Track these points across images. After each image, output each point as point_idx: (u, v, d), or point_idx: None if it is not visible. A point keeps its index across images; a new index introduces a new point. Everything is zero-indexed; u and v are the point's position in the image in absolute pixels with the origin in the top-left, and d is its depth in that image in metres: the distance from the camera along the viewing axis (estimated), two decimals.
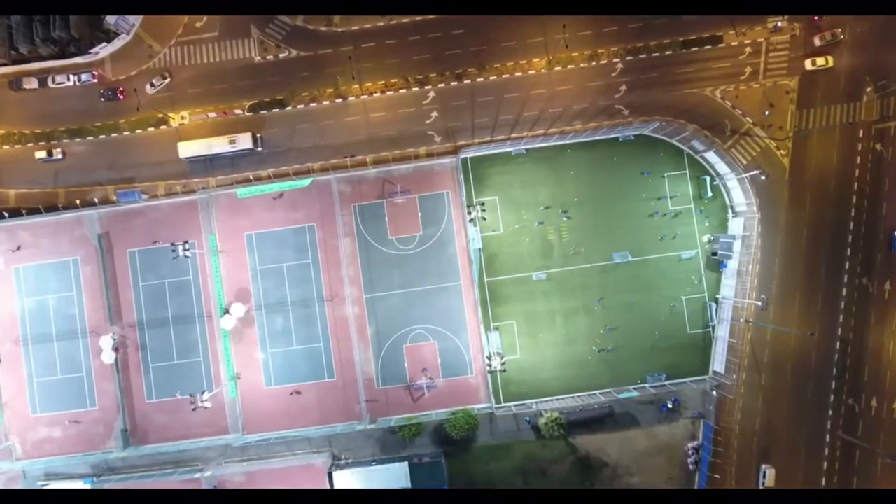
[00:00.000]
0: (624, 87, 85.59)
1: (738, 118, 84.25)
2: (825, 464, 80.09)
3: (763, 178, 79.17)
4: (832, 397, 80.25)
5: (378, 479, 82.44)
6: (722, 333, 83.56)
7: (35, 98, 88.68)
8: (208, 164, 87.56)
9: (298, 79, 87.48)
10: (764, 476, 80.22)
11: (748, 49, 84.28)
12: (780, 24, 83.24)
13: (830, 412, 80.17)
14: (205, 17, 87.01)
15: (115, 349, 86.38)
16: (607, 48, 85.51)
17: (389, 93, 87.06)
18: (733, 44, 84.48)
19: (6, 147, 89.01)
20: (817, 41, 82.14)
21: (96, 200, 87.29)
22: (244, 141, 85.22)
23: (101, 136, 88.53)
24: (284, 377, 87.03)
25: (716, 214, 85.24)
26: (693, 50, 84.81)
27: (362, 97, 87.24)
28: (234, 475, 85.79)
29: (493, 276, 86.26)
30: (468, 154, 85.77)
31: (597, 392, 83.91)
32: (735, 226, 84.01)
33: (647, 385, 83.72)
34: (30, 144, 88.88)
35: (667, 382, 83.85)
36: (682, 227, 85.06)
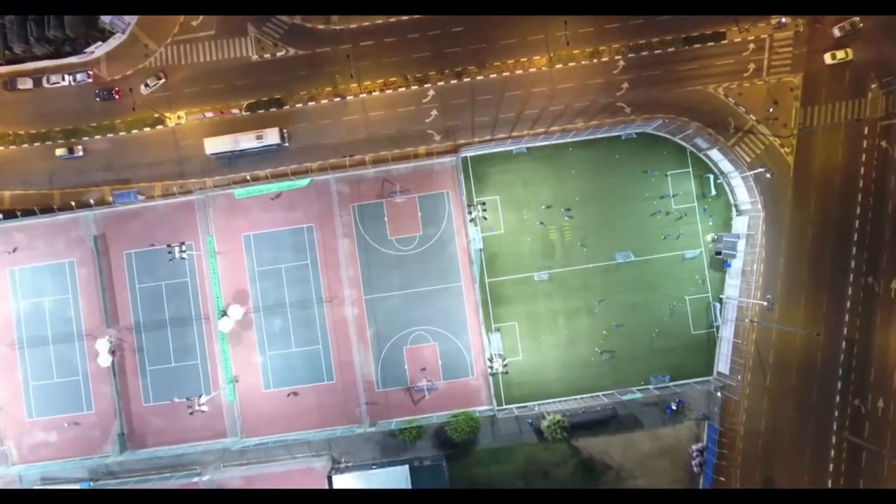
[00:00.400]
0: (626, 85, 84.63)
1: (741, 115, 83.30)
2: (831, 465, 79.17)
3: (768, 175, 78.21)
4: (838, 398, 79.28)
5: (378, 482, 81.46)
6: (726, 334, 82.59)
7: (30, 98, 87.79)
8: (233, 160, 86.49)
9: (296, 77, 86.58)
10: None
11: (751, 45, 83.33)
12: (783, 20, 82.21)
13: (836, 413, 79.22)
14: (201, 16, 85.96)
15: (112, 352, 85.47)
16: (609, 45, 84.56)
17: (388, 91, 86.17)
18: (736, 40, 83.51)
19: (1, 148, 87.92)
20: (836, 31, 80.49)
21: (92, 202, 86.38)
22: (271, 136, 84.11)
23: (97, 137, 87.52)
24: (283, 380, 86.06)
25: (719, 213, 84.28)
26: (696, 46, 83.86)
27: (361, 96, 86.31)
28: (233, 479, 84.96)
29: (494, 277, 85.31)
30: (468, 153, 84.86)
31: (600, 394, 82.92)
32: (739, 225, 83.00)
33: (650, 386, 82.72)
34: (25, 145, 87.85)
35: (671, 384, 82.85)
36: (686, 226, 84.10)
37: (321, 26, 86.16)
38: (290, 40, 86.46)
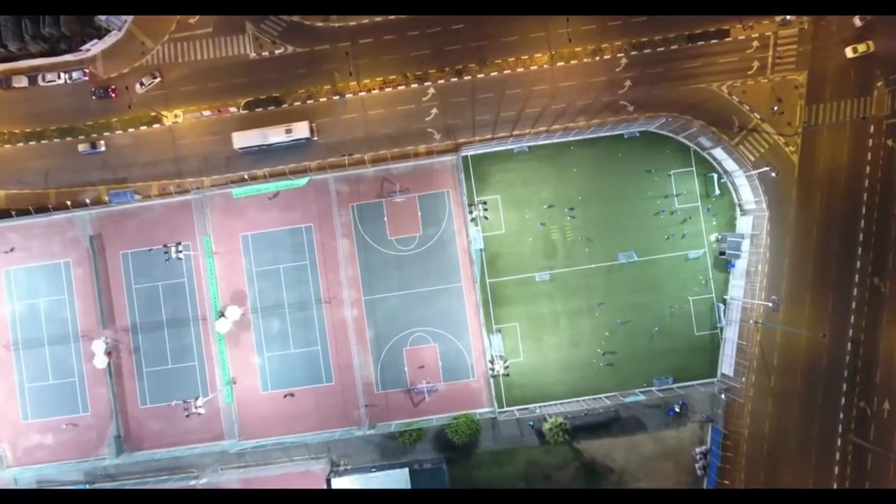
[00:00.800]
0: (628, 83, 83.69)
1: (745, 114, 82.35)
2: (836, 468, 78.17)
3: (773, 174, 77.36)
4: (843, 400, 78.26)
5: (378, 485, 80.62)
6: (730, 335, 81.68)
7: (25, 97, 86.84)
8: (260, 155, 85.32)
9: (294, 76, 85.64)
10: None
11: (755, 43, 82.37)
12: (788, 17, 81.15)
13: (842, 415, 78.17)
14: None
15: (108, 353, 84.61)
16: (611, 43, 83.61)
17: (388, 89, 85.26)
18: (740, 38, 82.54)
19: None
20: (857, 21, 79.07)
21: (88, 201, 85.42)
22: (301, 130, 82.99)
23: (93, 136, 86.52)
24: (281, 381, 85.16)
25: (723, 213, 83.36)
26: (699, 44, 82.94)
27: (360, 94, 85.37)
28: (231, 482, 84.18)
29: (495, 277, 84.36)
30: (469, 152, 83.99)
31: (602, 396, 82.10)
32: (743, 224, 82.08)
33: (653, 388, 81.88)
34: (20, 144, 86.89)
35: (674, 386, 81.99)
36: (689, 225, 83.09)
37: (320, 24, 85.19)
38: (288, 38, 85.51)
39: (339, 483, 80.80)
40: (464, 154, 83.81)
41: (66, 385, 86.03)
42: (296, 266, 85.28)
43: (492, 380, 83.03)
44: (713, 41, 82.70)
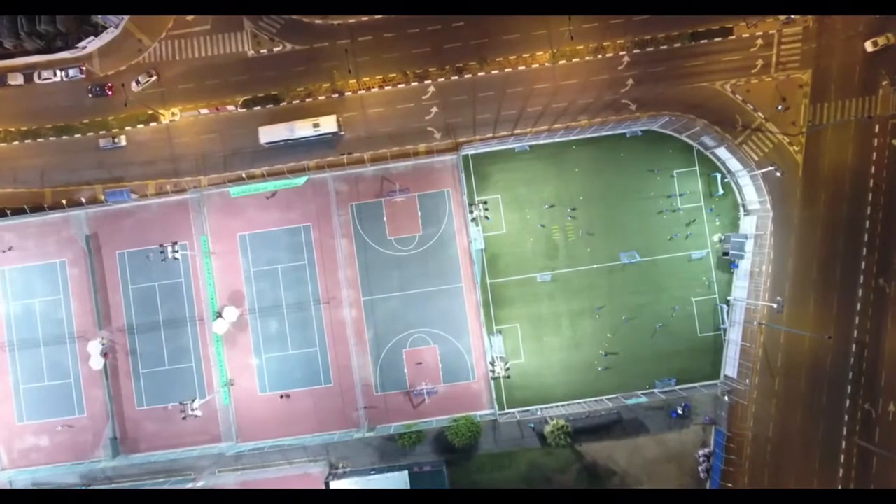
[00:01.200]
0: (631, 81, 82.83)
1: (749, 113, 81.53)
2: (841, 471, 77.52)
3: (778, 174, 76.52)
4: (848, 402, 77.64)
5: (376, 487, 79.44)
6: (734, 336, 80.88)
7: (20, 94, 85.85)
8: (287, 149, 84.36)
9: (293, 73, 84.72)
10: None
11: (759, 41, 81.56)
12: (792, 15, 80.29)
13: (846, 418, 77.55)
14: None
15: (104, 354, 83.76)
16: (613, 41, 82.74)
17: (387, 88, 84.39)
18: (744, 36, 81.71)
19: None
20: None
21: (84, 200, 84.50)
22: (328, 124, 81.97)
23: (90, 134, 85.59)
24: (279, 383, 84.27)
25: (727, 213, 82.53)
26: (702, 42, 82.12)
27: (359, 92, 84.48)
28: (228, 485, 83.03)
29: (495, 278, 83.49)
30: (469, 151, 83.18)
31: (604, 398, 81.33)
32: (747, 224, 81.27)
33: (656, 390, 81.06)
34: (15, 143, 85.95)
35: (677, 387, 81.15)
36: (693, 226, 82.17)
37: (318, 21, 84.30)
38: (286, 35, 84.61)
39: (337, 485, 79.90)
40: (464, 153, 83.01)
41: (61, 386, 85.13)
42: (294, 266, 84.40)
43: (492, 381, 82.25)
44: (717, 39, 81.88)
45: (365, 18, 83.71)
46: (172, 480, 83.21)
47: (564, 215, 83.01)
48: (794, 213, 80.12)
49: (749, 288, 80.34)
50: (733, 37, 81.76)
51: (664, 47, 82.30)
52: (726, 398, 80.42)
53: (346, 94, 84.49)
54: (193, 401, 77.58)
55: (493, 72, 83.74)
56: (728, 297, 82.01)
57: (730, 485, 79.77)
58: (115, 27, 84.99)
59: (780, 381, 79.84)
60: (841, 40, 79.78)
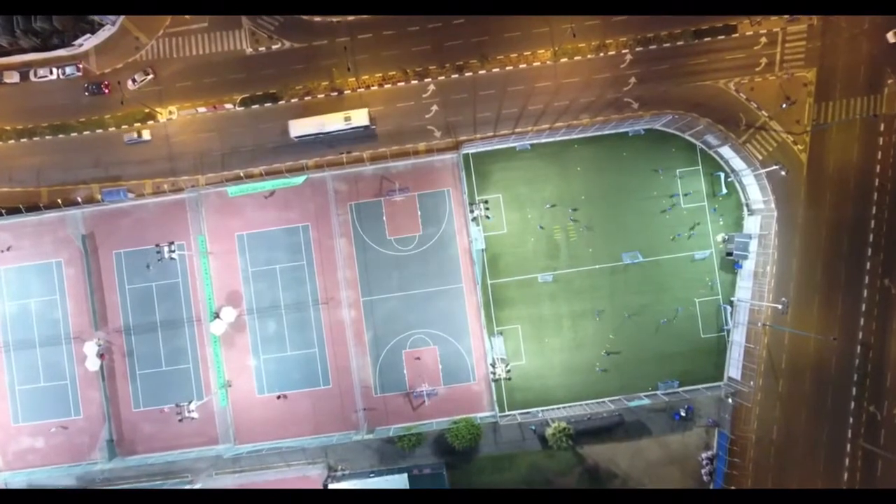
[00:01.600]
0: (633, 80, 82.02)
1: (753, 111, 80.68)
2: (846, 474, 76.73)
3: (783, 173, 75.66)
4: (853, 404, 76.86)
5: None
6: (737, 338, 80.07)
7: (16, 92, 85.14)
8: (318, 144, 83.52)
9: (292, 71, 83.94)
10: None
11: (763, 39, 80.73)
12: (796, 14, 79.44)
13: (851, 420, 76.78)
14: None
15: (101, 355, 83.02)
16: (615, 38, 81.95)
17: (387, 86, 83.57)
18: (748, 33, 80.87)
19: None
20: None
21: (80, 199, 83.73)
22: (360, 118, 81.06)
23: (86, 133, 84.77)
24: (278, 384, 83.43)
25: (730, 213, 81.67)
26: (705, 40, 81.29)
27: (359, 90, 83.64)
28: (226, 487, 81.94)
29: (496, 278, 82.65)
30: (470, 150, 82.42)
31: (606, 400, 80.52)
32: (751, 224, 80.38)
33: (658, 392, 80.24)
34: (10, 141, 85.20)
35: (679, 389, 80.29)
36: (696, 228, 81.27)
37: (317, 18, 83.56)
38: (285, 33, 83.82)
39: (336, 488, 78.96)
40: (465, 152, 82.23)
41: (57, 387, 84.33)
42: (293, 266, 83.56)
43: (493, 383, 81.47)
44: (720, 37, 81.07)
45: (364, 15, 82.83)
46: (169, 483, 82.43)
47: (566, 215, 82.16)
48: (799, 213, 79.30)
49: (753, 289, 79.55)
50: (737, 34, 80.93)
51: (667, 45, 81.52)
52: (730, 400, 79.60)
53: (346, 92, 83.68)
54: (190, 402, 76.66)
55: (494, 70, 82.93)
56: (731, 298, 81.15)
57: (733, 487, 78.90)
58: (111, 25, 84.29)
59: (784, 383, 79.01)
60: (846, 38, 78.96)
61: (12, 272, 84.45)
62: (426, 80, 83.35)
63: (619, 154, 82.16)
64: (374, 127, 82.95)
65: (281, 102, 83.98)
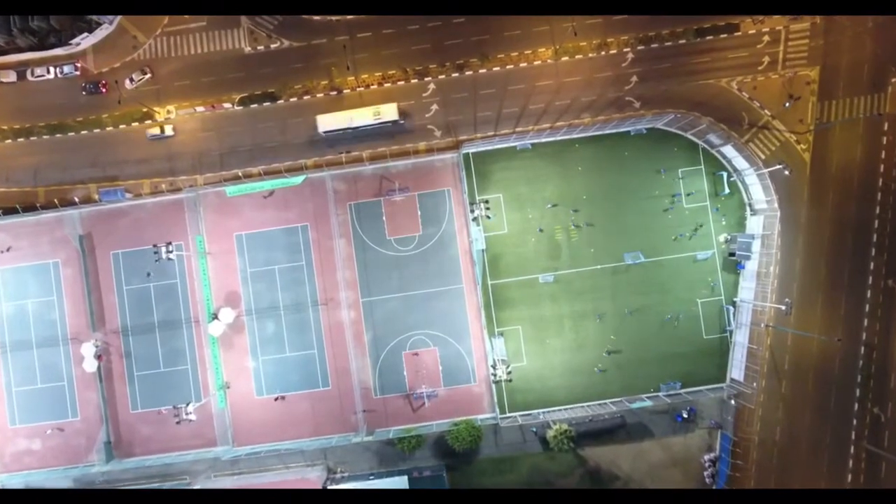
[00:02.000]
0: (635, 78, 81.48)
1: (755, 111, 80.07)
2: (849, 476, 76.12)
3: (786, 172, 75.11)
4: (856, 406, 76.26)
5: None
6: (740, 339, 79.47)
7: (13, 92, 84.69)
8: (343, 139, 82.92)
9: (290, 70, 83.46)
10: None
11: (766, 37, 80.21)
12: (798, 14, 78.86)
13: (855, 421, 76.18)
14: None
15: (98, 357, 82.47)
16: (617, 37, 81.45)
17: (387, 85, 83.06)
18: (750, 32, 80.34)
19: None
20: None
21: (77, 199, 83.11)
22: (389, 112, 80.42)
23: (83, 132, 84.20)
24: (276, 386, 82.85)
25: (733, 212, 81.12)
26: (708, 38, 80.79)
27: (358, 90, 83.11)
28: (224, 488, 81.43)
29: (497, 279, 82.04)
30: (470, 149, 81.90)
31: (607, 401, 79.99)
32: (754, 224, 79.80)
33: (660, 394, 79.72)
34: (7, 141, 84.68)
35: (682, 391, 79.77)
36: (699, 230, 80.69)
37: (317, 17, 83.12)
38: (284, 32, 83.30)
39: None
40: (465, 151, 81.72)
41: (54, 389, 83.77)
42: (291, 267, 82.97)
43: (493, 385, 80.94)
44: (722, 36, 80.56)
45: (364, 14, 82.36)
46: (167, 485, 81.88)
47: (567, 215, 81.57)
48: (802, 213, 78.74)
49: (756, 289, 78.98)
50: (739, 33, 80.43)
51: (669, 43, 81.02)
52: (732, 402, 79.04)
53: (345, 91, 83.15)
54: (188, 404, 76.04)
55: (495, 69, 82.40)
56: (734, 299, 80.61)
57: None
58: (109, 24, 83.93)
59: (787, 385, 78.40)
60: (849, 36, 78.41)
61: (9, 272, 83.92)
62: (426, 79, 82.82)
63: (620, 153, 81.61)
64: (402, 122, 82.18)
65: (280, 102, 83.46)
